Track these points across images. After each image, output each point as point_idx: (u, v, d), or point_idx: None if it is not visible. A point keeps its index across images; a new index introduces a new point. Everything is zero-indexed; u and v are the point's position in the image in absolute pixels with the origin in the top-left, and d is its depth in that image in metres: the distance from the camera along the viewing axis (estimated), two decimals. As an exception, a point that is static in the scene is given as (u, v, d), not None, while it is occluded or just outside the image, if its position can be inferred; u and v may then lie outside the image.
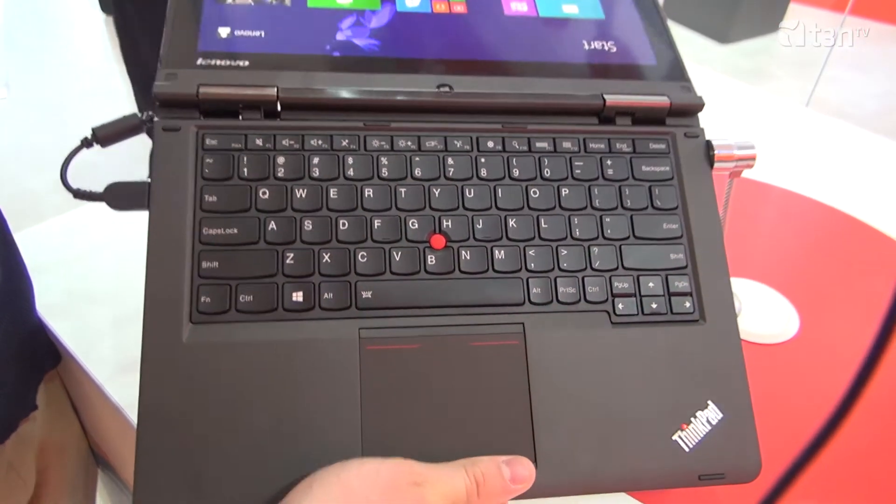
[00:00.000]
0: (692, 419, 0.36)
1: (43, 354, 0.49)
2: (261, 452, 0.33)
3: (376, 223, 0.37)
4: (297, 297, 0.35)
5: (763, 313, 0.50)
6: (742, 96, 0.85)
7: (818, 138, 0.77)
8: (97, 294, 0.51)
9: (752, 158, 0.43)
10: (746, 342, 0.49)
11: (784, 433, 0.38)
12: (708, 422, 0.36)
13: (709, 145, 0.42)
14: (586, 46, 0.45)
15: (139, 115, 0.38)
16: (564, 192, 0.40)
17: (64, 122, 1.91)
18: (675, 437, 0.36)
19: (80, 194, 0.37)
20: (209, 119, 0.38)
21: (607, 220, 0.40)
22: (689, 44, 2.89)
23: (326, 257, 0.36)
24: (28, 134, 1.93)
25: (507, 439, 0.35)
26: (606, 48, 0.45)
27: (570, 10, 0.47)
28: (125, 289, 0.50)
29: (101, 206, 0.57)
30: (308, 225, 0.37)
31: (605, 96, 0.42)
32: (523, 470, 0.33)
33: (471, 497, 0.31)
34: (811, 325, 0.50)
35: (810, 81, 1.71)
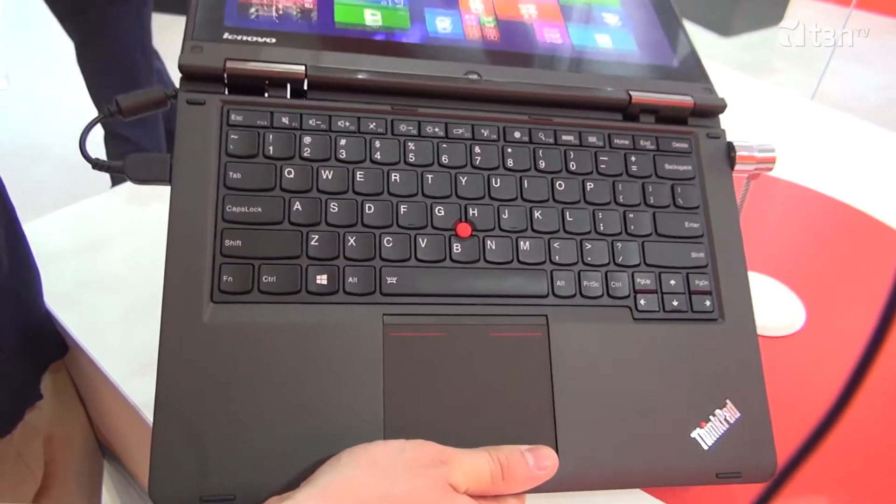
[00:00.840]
0: (711, 417, 0.36)
1: (49, 345, 0.47)
2: (280, 437, 0.32)
3: (402, 208, 0.37)
4: (322, 279, 0.35)
5: (769, 306, 0.51)
6: (747, 89, 0.85)
7: (823, 132, 0.77)
8: (105, 285, 0.49)
9: (772, 161, 0.43)
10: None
11: (790, 426, 0.39)
12: (726, 420, 0.37)
13: (730, 146, 0.43)
14: (613, 48, 0.45)
15: (164, 88, 0.37)
16: (590, 185, 0.40)
17: (64, 114, 1.87)
18: (693, 435, 0.36)
19: (98, 165, 0.36)
20: (234, 95, 0.37)
21: (631, 215, 0.39)
22: (691, 37, 2.85)
23: (352, 241, 0.35)
24: (28, 125, 1.89)
25: (530, 430, 0.34)
26: (631, 50, 0.45)
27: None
28: (134, 280, 0.49)
29: (110, 197, 0.56)
30: (334, 207, 0.36)
31: (631, 93, 0.42)
32: (546, 458, 0.32)
33: (495, 479, 0.31)
34: (817, 317, 0.51)
35: (812, 74, 1.70)
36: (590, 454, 0.35)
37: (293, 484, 0.31)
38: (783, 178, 0.67)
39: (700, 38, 2.86)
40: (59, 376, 0.50)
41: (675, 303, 0.38)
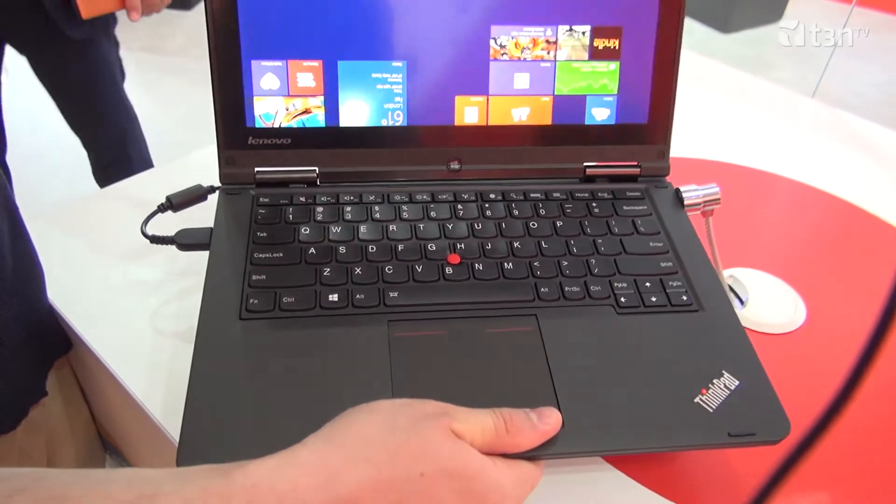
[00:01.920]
0: (710, 385, 0.38)
1: (54, 341, 0.48)
2: (296, 417, 0.34)
3: (400, 247, 0.43)
4: (333, 297, 0.40)
5: (770, 303, 0.51)
6: (747, 87, 0.86)
7: (824, 129, 0.78)
8: (108, 281, 0.50)
9: (717, 197, 0.50)
10: (755, 332, 0.49)
11: (792, 423, 0.38)
12: (726, 387, 0.38)
13: (678, 192, 0.50)
14: (589, 122, 0.50)
15: (203, 186, 0.47)
16: (559, 223, 0.46)
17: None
18: (696, 400, 0.37)
19: (154, 239, 0.44)
20: (262, 188, 0.47)
21: (600, 240, 0.45)
22: (691, 34, 2.71)
23: (358, 270, 0.42)
24: (27, 121, 1.76)
25: (533, 406, 0.36)
26: (608, 121, 0.50)
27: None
28: (137, 276, 0.50)
29: (110, 194, 0.60)
30: (342, 249, 0.43)
31: (587, 165, 0.50)
32: (549, 414, 0.34)
33: (500, 432, 0.32)
34: (818, 314, 0.51)
35: (812, 71, 1.62)
36: (595, 420, 0.36)
37: None
38: (783, 175, 0.67)
39: (699, 34, 2.79)
40: (62, 373, 0.51)
41: (653, 299, 0.42)
